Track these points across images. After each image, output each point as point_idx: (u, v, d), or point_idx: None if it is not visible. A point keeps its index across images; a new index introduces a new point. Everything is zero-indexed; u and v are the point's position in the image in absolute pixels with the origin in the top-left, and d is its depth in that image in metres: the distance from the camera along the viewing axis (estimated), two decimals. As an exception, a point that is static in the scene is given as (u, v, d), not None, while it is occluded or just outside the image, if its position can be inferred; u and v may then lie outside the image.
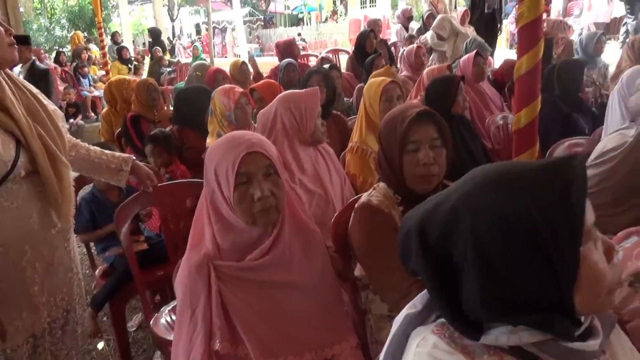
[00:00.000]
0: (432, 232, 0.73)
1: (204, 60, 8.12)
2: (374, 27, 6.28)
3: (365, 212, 1.45)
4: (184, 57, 13.61)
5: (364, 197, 1.51)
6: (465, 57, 3.75)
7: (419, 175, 1.40)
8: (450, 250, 0.71)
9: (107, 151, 1.88)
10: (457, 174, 1.54)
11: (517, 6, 1.39)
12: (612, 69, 4.59)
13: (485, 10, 6.78)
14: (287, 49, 5.53)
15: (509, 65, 3.99)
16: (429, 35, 5.81)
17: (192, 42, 15.25)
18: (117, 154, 1.90)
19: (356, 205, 1.51)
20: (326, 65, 3.97)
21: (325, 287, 1.34)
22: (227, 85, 2.91)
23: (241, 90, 2.82)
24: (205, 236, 1.24)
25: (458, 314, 0.71)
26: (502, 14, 7.11)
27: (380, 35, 6.62)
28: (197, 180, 2.09)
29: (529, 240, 0.65)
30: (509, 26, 10.91)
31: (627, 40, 3.86)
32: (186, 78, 5.14)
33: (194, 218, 1.30)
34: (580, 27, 8.55)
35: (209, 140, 2.81)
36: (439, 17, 5.83)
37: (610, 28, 9.39)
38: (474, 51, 3.67)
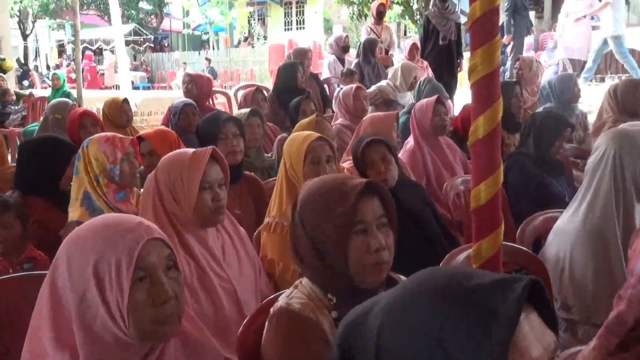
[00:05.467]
0: (354, 347, 0.81)
1: (68, 93, 7.96)
2: (302, 59, 6.45)
3: (283, 321, 1.46)
4: (40, 89, 13.28)
5: (282, 299, 1.52)
6: (422, 103, 3.85)
7: (369, 265, 1.43)
8: None
9: None
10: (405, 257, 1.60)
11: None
12: (590, 118, 5.00)
13: (440, 42, 7.17)
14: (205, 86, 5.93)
15: (470, 113, 4.20)
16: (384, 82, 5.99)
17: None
18: None
19: (271, 309, 1.52)
20: (245, 110, 3.90)
21: None
22: (107, 133, 2.88)
23: (131, 137, 2.83)
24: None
25: None
26: (461, 46, 7.53)
27: (310, 69, 6.85)
28: (41, 272, 1.97)
29: None
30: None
31: (609, 87, 4.25)
32: (40, 120, 5.01)
33: (27, 336, 1.22)
34: (555, 65, 9.28)
35: (73, 211, 2.70)
36: (399, 64, 6.12)
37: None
38: (434, 97, 3.81)
